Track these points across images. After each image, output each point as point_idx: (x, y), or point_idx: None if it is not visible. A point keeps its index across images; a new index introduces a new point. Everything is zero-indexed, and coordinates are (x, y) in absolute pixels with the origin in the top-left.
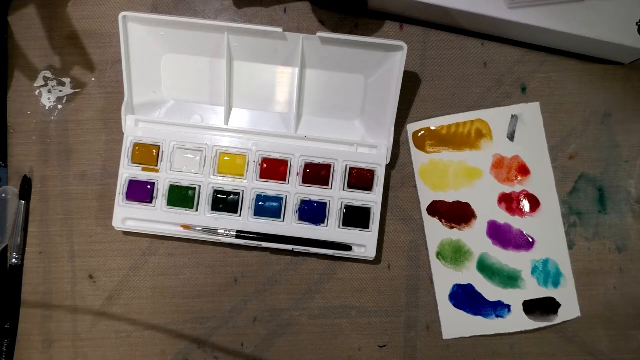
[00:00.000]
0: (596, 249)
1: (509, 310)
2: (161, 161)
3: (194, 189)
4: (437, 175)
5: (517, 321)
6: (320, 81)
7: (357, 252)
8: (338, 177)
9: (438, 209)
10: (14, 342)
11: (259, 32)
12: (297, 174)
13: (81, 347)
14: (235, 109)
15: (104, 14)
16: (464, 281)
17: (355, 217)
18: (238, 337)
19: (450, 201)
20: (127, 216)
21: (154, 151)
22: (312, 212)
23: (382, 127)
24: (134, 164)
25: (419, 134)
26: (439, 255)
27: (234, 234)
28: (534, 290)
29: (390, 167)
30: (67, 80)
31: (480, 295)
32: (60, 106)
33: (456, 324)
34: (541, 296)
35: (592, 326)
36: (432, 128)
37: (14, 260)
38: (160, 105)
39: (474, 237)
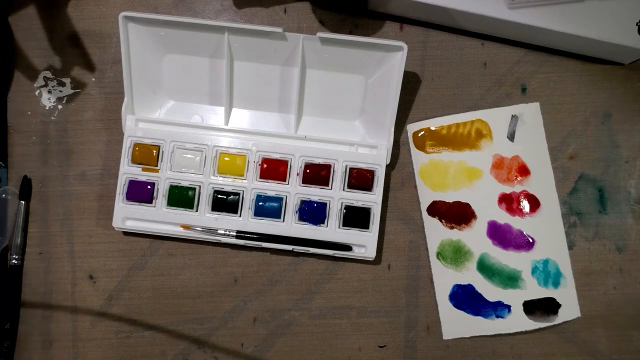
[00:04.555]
0: (596, 249)
1: (509, 310)
2: (161, 161)
3: (194, 189)
4: (437, 175)
5: (517, 321)
6: (320, 81)
7: (357, 252)
8: (338, 177)
9: (438, 209)
10: (14, 343)
11: (259, 32)
12: (297, 174)
13: (81, 347)
14: (235, 109)
15: (104, 14)
16: (464, 281)
17: (355, 217)
18: (238, 337)
19: (450, 201)
20: (127, 216)
21: (154, 151)
22: (312, 212)
23: (382, 127)
24: (134, 164)
25: (419, 134)
26: (439, 255)
27: (234, 234)
28: (534, 290)
29: (390, 167)
30: (67, 80)
31: (480, 295)
32: (60, 106)
33: (456, 324)
34: (541, 296)
35: (592, 326)
36: (432, 128)
37: (14, 261)
38: (160, 105)
39: (474, 237)
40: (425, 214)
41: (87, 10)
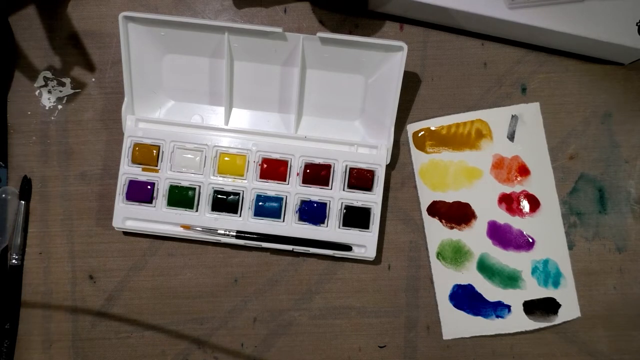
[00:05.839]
0: (596, 249)
1: (509, 310)
2: (161, 161)
3: (194, 189)
4: (437, 175)
5: (517, 321)
6: (320, 81)
7: (357, 253)
8: (338, 178)
9: (438, 209)
10: (14, 343)
11: (259, 32)
12: (297, 174)
13: (81, 347)
14: (235, 109)
15: (104, 14)
16: (464, 281)
17: (355, 217)
18: (238, 337)
19: (450, 201)
20: (127, 216)
21: (154, 151)
22: (312, 212)
23: (382, 127)
24: (134, 164)
25: (419, 134)
26: (439, 255)
27: (234, 234)
28: (534, 290)
29: (390, 167)
30: (67, 80)
31: (480, 295)
32: (60, 106)
33: (456, 324)
34: (541, 296)
35: (592, 326)
36: (432, 128)
37: (14, 261)
38: (160, 105)
39: (474, 238)
40: (425, 214)
41: (87, 10)
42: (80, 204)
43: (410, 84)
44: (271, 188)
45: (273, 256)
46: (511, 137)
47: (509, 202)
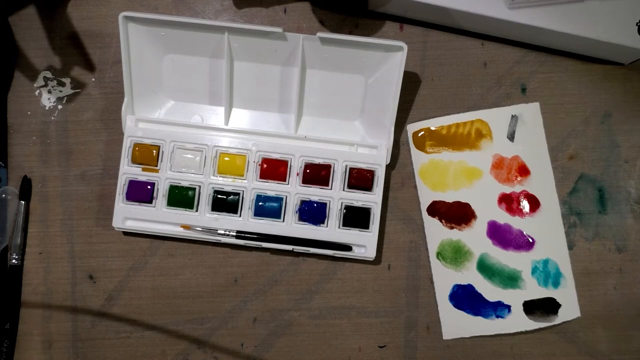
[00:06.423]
0: (596, 249)
1: (509, 310)
2: (161, 161)
3: (194, 189)
4: (437, 175)
5: (517, 321)
6: (320, 81)
7: (357, 253)
8: (338, 178)
9: (438, 209)
10: (14, 343)
11: (259, 32)
12: (297, 174)
13: (81, 347)
14: (235, 109)
15: (104, 14)
16: (464, 281)
17: (355, 217)
18: (238, 337)
19: (450, 201)
20: (127, 216)
21: (154, 151)
22: (312, 212)
23: (382, 127)
24: (134, 164)
25: (419, 134)
26: (439, 255)
27: (234, 234)
28: (534, 290)
29: (390, 167)
30: (67, 80)
31: (480, 295)
32: (60, 106)
33: (456, 324)
34: (541, 296)
35: (592, 326)
36: (432, 128)
37: (14, 261)
38: (160, 105)
39: (474, 238)
40: (425, 214)
41: (87, 10)
42: (80, 204)
43: (410, 84)
44: (271, 188)
45: (273, 256)
46: (511, 137)
47: (509, 202)
